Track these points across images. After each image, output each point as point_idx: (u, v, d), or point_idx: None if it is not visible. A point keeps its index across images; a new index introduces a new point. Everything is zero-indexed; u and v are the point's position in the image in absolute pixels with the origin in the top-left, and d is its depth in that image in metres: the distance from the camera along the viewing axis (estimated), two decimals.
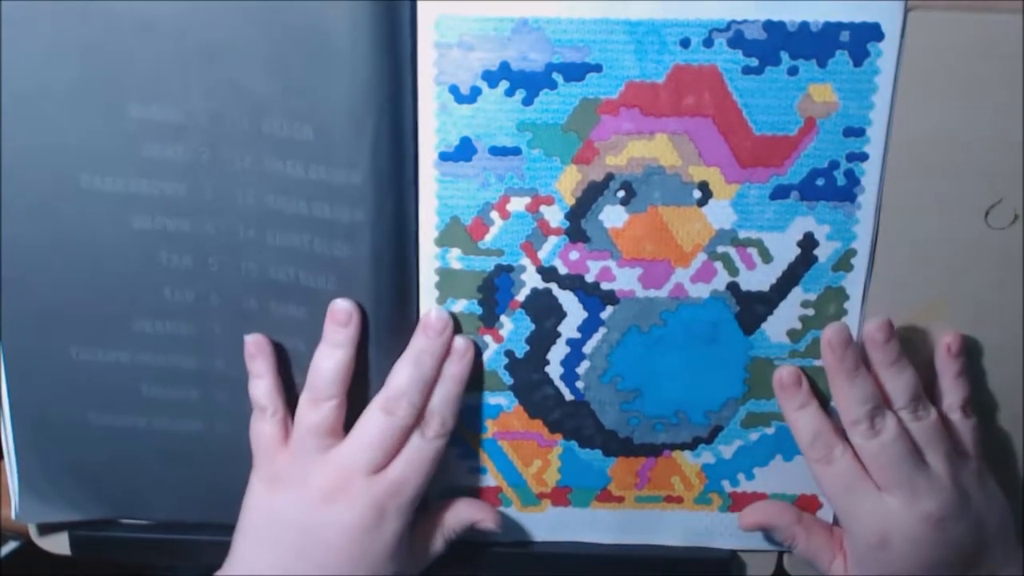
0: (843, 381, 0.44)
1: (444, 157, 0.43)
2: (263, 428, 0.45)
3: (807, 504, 0.49)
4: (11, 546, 0.72)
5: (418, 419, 0.44)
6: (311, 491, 0.43)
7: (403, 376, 0.44)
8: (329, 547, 0.43)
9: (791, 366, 0.46)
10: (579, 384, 0.47)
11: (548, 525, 0.49)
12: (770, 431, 0.47)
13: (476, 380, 0.47)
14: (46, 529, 0.51)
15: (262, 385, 0.45)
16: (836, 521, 0.48)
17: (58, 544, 0.52)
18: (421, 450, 0.44)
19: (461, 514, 0.47)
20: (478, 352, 0.46)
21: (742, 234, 0.44)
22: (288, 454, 0.44)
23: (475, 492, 0.49)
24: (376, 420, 0.44)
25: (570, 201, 0.44)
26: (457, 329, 0.46)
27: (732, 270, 0.45)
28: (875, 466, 0.44)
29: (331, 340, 0.44)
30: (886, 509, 0.43)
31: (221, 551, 0.50)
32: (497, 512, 0.48)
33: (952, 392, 0.45)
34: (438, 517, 0.47)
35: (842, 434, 0.45)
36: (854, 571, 0.45)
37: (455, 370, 0.45)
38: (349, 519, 0.43)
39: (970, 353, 0.46)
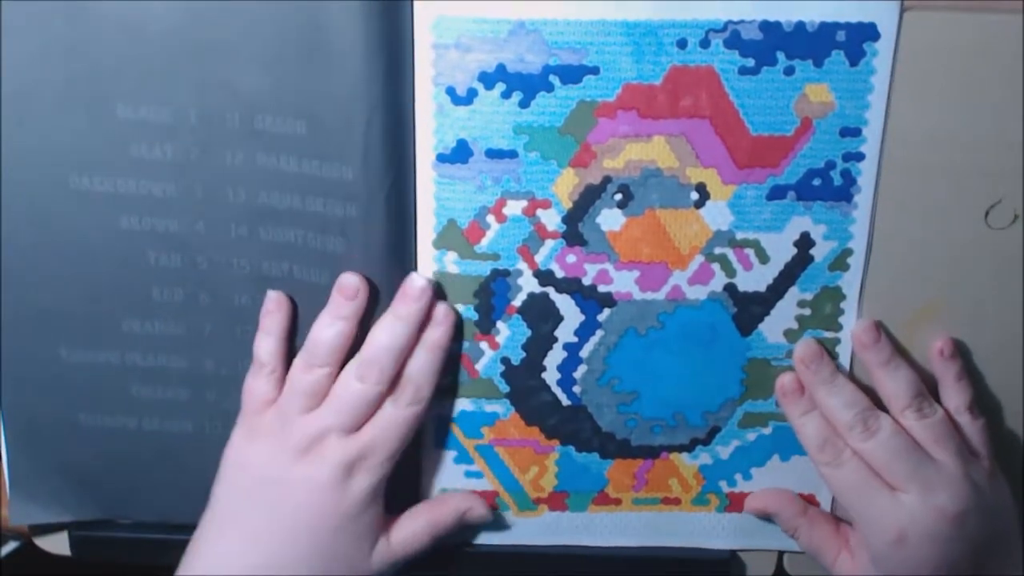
0: (824, 392, 0.45)
1: (441, 159, 0.43)
2: (257, 384, 0.45)
3: None
4: (11, 546, 0.72)
5: (392, 386, 0.44)
6: (286, 446, 0.44)
7: (376, 343, 0.43)
8: (298, 502, 0.44)
9: (792, 373, 0.46)
10: (576, 388, 0.47)
11: (545, 529, 0.49)
12: (767, 431, 0.47)
13: (472, 387, 0.46)
14: (38, 530, 0.51)
15: (268, 342, 0.45)
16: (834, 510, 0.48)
17: (58, 544, 0.52)
18: (393, 417, 0.44)
19: (449, 504, 0.47)
20: (460, 321, 0.45)
21: (739, 235, 0.44)
22: (273, 410, 0.44)
23: None
24: (349, 386, 0.44)
25: (567, 204, 0.44)
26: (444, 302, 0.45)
27: (729, 271, 0.45)
28: (880, 466, 0.44)
29: (336, 312, 0.43)
30: (901, 506, 0.43)
31: None
32: (486, 505, 0.47)
33: (956, 395, 0.45)
34: (426, 509, 0.47)
35: None
36: (872, 571, 0.45)
37: (434, 336, 0.44)
38: (318, 475, 0.43)
39: (969, 353, 0.46)
